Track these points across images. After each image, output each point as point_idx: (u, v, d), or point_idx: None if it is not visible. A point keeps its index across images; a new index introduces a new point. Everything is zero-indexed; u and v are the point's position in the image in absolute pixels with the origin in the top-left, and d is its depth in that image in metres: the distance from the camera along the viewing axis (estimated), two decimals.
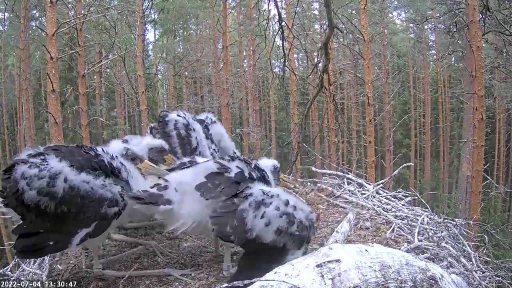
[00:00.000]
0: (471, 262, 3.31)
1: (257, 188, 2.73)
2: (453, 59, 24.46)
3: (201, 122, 3.93)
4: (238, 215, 2.59)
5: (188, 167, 2.87)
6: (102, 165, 2.66)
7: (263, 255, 2.64)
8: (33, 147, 2.74)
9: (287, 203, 2.69)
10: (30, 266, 3.17)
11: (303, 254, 2.68)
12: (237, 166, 2.79)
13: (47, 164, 2.52)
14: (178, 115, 3.75)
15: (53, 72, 8.23)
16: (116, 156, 2.81)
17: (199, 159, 3.06)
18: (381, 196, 4.71)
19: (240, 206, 2.61)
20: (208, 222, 2.66)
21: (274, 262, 2.56)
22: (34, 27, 20.23)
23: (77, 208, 2.51)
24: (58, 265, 3.16)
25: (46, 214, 2.47)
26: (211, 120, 4.03)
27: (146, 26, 18.57)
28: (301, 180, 5.74)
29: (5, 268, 3.24)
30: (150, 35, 31.16)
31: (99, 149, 2.79)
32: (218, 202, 2.65)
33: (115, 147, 3.25)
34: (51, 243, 2.51)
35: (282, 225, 2.63)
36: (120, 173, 2.70)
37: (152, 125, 4.09)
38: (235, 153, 3.95)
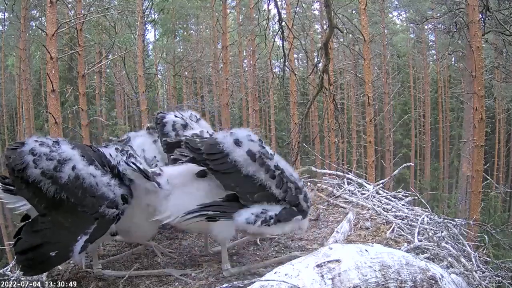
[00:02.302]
0: (471, 262, 3.31)
1: None
2: (453, 59, 24.48)
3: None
4: (208, 138, 2.62)
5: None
6: (110, 165, 2.64)
7: (243, 192, 2.52)
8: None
9: (258, 140, 2.59)
10: None
11: (298, 216, 2.61)
12: None
13: (59, 147, 2.47)
14: (175, 116, 3.77)
15: (53, 72, 8.23)
16: (120, 162, 2.79)
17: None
18: (381, 196, 4.71)
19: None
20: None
21: (258, 200, 2.50)
22: (34, 27, 20.26)
23: (76, 199, 2.45)
24: (58, 266, 3.16)
25: (43, 195, 2.42)
26: (196, 117, 4.04)
27: (146, 26, 18.55)
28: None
29: (5, 268, 3.24)
30: (150, 35, 31.25)
31: (105, 151, 2.77)
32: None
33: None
34: (53, 254, 2.43)
35: (255, 149, 2.50)
36: (125, 178, 2.67)
37: (148, 125, 4.12)
38: None
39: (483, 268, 3.40)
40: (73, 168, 2.45)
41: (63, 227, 2.48)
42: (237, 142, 2.50)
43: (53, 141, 2.51)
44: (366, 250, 2.25)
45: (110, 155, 2.74)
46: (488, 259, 3.81)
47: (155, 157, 3.67)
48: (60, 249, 2.44)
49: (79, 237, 2.47)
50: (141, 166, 2.69)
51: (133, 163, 2.70)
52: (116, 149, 2.99)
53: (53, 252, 2.43)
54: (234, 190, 2.56)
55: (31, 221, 2.54)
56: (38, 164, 2.39)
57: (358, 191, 4.88)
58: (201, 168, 2.71)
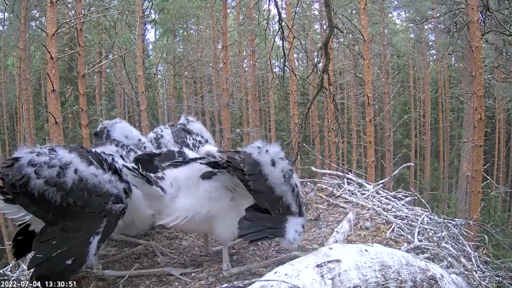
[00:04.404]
0: (471, 262, 3.32)
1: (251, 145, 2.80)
2: (453, 59, 24.46)
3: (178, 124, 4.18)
4: (242, 152, 2.66)
5: (179, 163, 2.92)
6: (108, 163, 2.65)
7: (274, 209, 2.64)
8: (31, 145, 2.65)
9: (284, 156, 2.75)
10: None
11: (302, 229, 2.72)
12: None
13: (56, 153, 2.46)
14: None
15: (53, 72, 8.23)
16: (117, 160, 2.80)
17: (186, 150, 3.24)
18: (381, 196, 4.72)
19: (242, 149, 2.70)
20: (203, 214, 2.74)
21: (282, 221, 2.62)
22: (34, 27, 20.26)
23: (83, 202, 2.43)
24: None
25: (49, 205, 2.38)
26: (188, 120, 4.26)
27: (146, 26, 18.53)
28: (301, 180, 5.74)
29: (5, 268, 3.24)
30: (150, 35, 31.23)
31: (99, 150, 2.79)
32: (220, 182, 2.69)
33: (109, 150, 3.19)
34: (70, 262, 2.37)
35: (286, 169, 2.66)
36: (122, 174, 2.69)
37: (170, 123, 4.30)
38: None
39: (483, 268, 3.40)
40: (76, 171, 2.44)
41: (74, 232, 2.45)
42: (273, 162, 2.62)
43: (49, 149, 2.49)
44: (366, 250, 2.25)
45: (103, 152, 2.75)
46: (488, 259, 3.81)
47: (140, 140, 3.66)
48: (75, 255, 2.40)
49: (92, 238, 2.45)
50: (143, 171, 2.72)
51: (135, 168, 2.71)
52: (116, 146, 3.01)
53: (69, 260, 2.37)
54: (266, 206, 2.66)
55: (39, 233, 2.47)
56: (41, 174, 2.35)
57: (358, 191, 4.89)
58: (206, 169, 2.75)
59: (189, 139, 3.92)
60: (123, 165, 2.75)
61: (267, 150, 2.64)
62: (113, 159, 2.73)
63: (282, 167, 2.64)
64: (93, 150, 2.80)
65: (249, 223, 2.60)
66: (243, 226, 2.59)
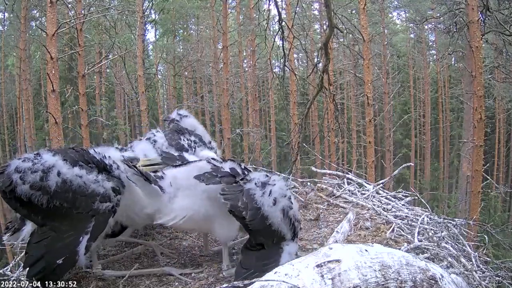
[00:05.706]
0: (471, 262, 3.31)
1: (256, 174, 2.78)
2: (453, 59, 24.47)
3: (172, 121, 4.10)
4: (246, 193, 2.62)
5: (180, 164, 2.95)
6: (94, 161, 2.66)
7: (268, 241, 2.65)
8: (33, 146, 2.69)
9: (286, 190, 2.76)
10: None
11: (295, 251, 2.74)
12: (230, 167, 2.85)
13: (40, 158, 2.51)
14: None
15: (53, 72, 8.23)
16: (109, 156, 2.79)
17: (186, 155, 3.27)
18: (381, 196, 4.71)
19: (246, 186, 2.66)
20: (202, 214, 2.76)
21: (276, 254, 2.63)
22: (34, 27, 20.27)
23: (68, 203, 2.48)
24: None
25: (37, 208, 2.44)
26: (181, 115, 4.15)
27: (146, 26, 18.55)
28: (301, 180, 5.75)
29: (5, 268, 3.24)
30: (150, 35, 31.19)
31: (90, 149, 2.79)
32: (220, 186, 2.67)
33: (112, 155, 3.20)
34: (60, 261, 2.44)
35: (286, 205, 2.68)
36: (112, 170, 2.69)
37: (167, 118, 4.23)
38: (210, 142, 4.05)
39: (483, 268, 3.40)
40: (58, 174, 2.47)
41: (63, 233, 2.50)
42: (275, 202, 2.64)
43: (35, 154, 2.54)
44: (366, 250, 2.25)
45: (94, 150, 2.75)
46: (488, 259, 3.81)
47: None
48: (65, 254, 2.46)
49: (81, 238, 2.49)
50: (142, 170, 2.73)
51: (135, 166, 2.72)
52: (116, 148, 3.02)
53: (60, 259, 2.44)
54: (261, 241, 2.68)
55: (32, 235, 2.56)
56: (25, 179, 2.42)
57: (358, 191, 4.88)
58: (204, 170, 2.77)
59: (184, 140, 3.87)
60: (124, 162, 2.75)
61: (271, 191, 2.65)
62: (104, 156, 2.73)
63: (283, 205, 2.66)
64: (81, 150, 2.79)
65: (244, 273, 2.56)
66: (239, 276, 2.57)
